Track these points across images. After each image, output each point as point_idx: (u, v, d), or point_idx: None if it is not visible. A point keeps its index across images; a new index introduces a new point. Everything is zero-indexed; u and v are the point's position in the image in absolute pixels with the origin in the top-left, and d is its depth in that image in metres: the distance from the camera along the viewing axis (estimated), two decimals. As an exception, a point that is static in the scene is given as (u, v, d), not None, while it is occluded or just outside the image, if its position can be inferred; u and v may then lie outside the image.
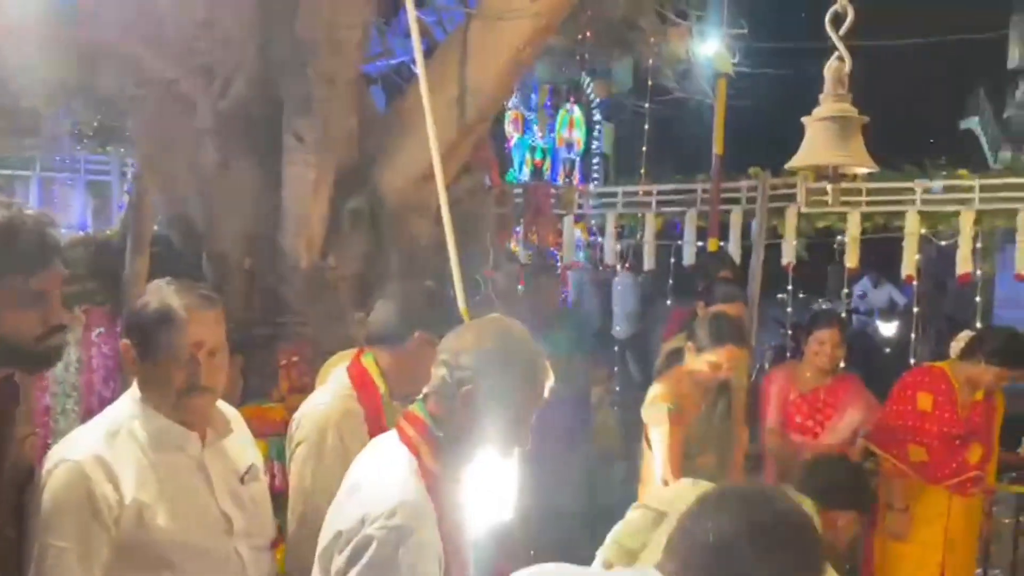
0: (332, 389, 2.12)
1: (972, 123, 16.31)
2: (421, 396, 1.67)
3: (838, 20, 2.31)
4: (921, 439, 3.51)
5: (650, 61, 4.56)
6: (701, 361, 2.99)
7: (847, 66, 2.25)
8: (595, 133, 18.02)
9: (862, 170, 2.37)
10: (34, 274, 1.51)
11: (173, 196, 3.62)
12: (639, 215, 5.71)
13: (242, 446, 1.91)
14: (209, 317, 1.72)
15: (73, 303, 3.31)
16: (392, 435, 1.67)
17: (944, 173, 4.88)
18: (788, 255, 5.23)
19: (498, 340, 1.62)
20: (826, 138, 2.20)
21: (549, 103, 16.71)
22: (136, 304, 1.74)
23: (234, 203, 3.50)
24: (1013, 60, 16.61)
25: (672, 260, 5.60)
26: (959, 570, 3.57)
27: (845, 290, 5.15)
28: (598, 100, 17.27)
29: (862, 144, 2.23)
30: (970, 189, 4.77)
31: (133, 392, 1.76)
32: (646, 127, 5.79)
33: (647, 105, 5.77)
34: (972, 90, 16.30)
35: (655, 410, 3.01)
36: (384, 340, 2.12)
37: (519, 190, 3.86)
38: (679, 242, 5.56)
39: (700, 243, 5.43)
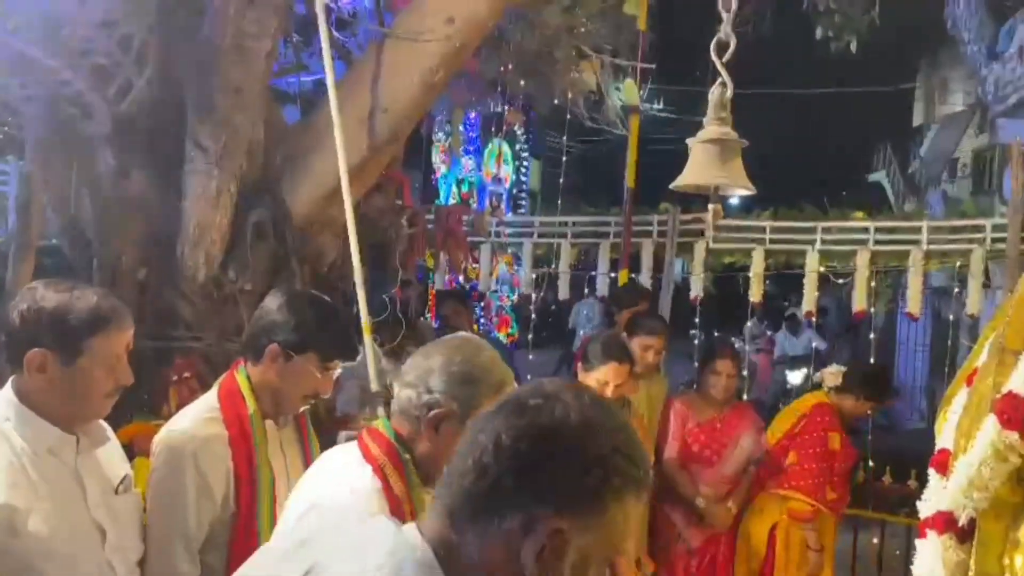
0: (195, 410, 1.97)
1: (880, 176, 17.25)
2: (383, 416, 1.64)
3: (721, 47, 2.42)
4: (831, 478, 3.63)
5: (568, 95, 4.64)
6: (590, 380, 3.04)
7: (729, 91, 2.34)
8: (522, 168, 18.21)
9: (741, 191, 2.44)
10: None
11: (64, 202, 3.46)
12: (555, 244, 5.79)
13: (115, 457, 1.84)
14: (128, 314, 1.73)
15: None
16: (351, 451, 1.60)
17: (842, 214, 5.13)
18: (696, 288, 5.38)
19: (467, 362, 1.57)
20: (708, 159, 2.27)
21: (477, 137, 16.85)
22: (51, 309, 1.64)
23: (130, 211, 3.37)
24: (918, 117, 17.69)
25: (586, 290, 5.68)
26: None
27: (748, 323, 5.28)
28: (525, 136, 17.49)
29: (741, 166, 2.31)
30: (865, 230, 5.01)
31: (6, 393, 1.67)
32: (563, 159, 5.87)
33: (564, 139, 5.87)
34: (880, 143, 17.26)
35: None
36: (246, 351, 2.00)
37: (431, 213, 3.86)
38: (592, 272, 5.65)
39: (612, 274, 5.53)
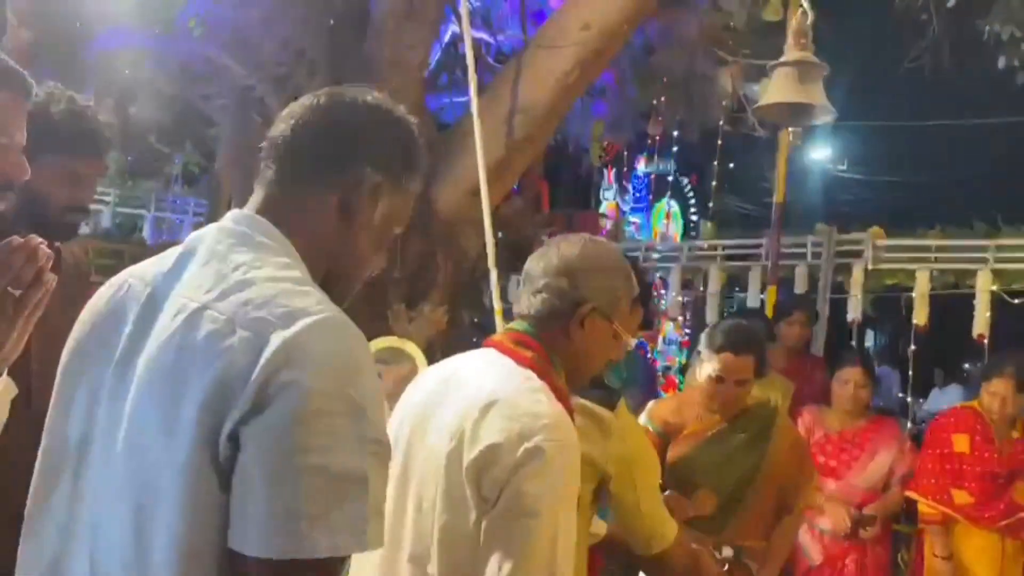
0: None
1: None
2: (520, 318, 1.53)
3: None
4: (962, 482, 3.34)
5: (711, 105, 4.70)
6: (703, 375, 2.54)
7: (810, 18, 2.34)
8: (690, 227, 18.05)
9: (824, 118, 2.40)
10: (78, 157, 1.77)
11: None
12: (703, 269, 5.75)
13: None
14: None
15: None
16: (494, 358, 1.47)
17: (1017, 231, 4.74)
18: (855, 311, 5.13)
19: (602, 256, 1.53)
20: (788, 83, 2.28)
21: (646, 195, 16.99)
22: None
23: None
24: None
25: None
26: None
27: (912, 347, 4.95)
28: (694, 195, 17.37)
29: (822, 89, 2.29)
30: (1046, 246, 4.61)
31: None
32: (713, 183, 5.87)
33: (716, 164, 5.88)
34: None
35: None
36: None
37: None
38: (743, 293, 5.55)
39: (762, 296, 5.39)
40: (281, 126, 1.09)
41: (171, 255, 1.06)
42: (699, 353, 2.55)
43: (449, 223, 3.94)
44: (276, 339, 0.89)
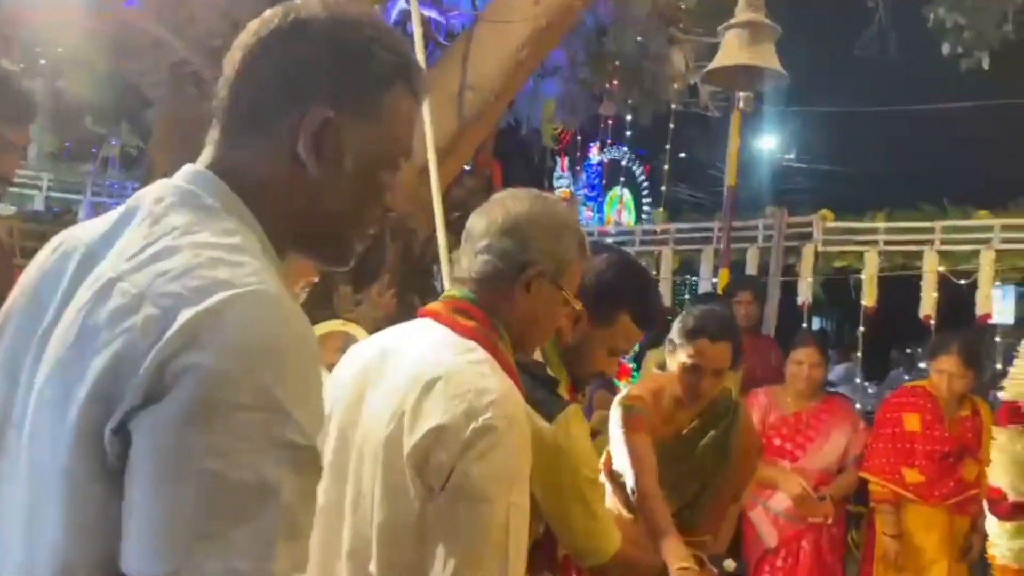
0: None
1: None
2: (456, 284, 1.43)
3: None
4: (913, 461, 3.37)
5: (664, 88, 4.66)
6: (674, 362, 2.32)
7: None
8: (643, 216, 18.23)
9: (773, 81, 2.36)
10: (12, 126, 1.69)
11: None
12: (656, 252, 5.74)
13: None
14: None
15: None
16: (432, 329, 1.36)
17: (963, 213, 4.82)
18: (804, 294, 5.16)
19: (552, 215, 1.41)
20: (740, 44, 2.24)
21: (599, 184, 17.09)
22: None
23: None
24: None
25: (687, 298, 5.58)
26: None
27: (861, 329, 5.00)
28: (647, 183, 17.53)
29: (773, 51, 2.26)
30: (989, 228, 4.69)
31: None
32: (665, 166, 5.85)
33: (668, 146, 5.86)
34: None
35: (618, 411, 2.30)
36: None
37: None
38: (695, 278, 5.55)
39: (714, 279, 5.40)
40: (226, 69, 0.94)
41: (113, 215, 0.91)
42: (670, 341, 2.34)
43: (394, 204, 3.83)
44: (183, 316, 0.75)
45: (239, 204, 0.88)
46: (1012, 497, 1.65)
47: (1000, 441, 1.67)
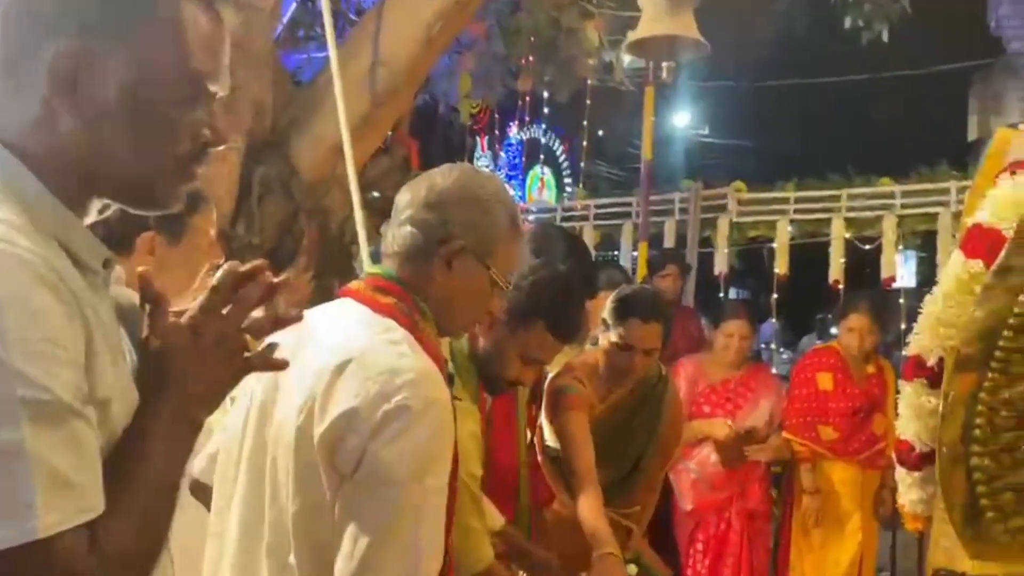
0: None
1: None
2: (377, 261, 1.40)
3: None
4: (828, 418, 3.50)
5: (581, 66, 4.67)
6: (607, 341, 2.33)
7: None
8: (565, 195, 18.34)
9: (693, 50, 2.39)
10: None
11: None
12: (578, 228, 5.77)
13: None
14: None
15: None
16: (349, 308, 1.31)
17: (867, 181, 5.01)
18: (721, 264, 5.29)
19: (480, 188, 1.35)
20: (657, 12, 2.25)
21: (519, 163, 17.12)
22: None
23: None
24: (972, 132, 17.17)
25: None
26: (872, 542, 3.53)
27: (774, 296, 5.16)
28: (567, 162, 17.66)
29: (692, 19, 2.28)
30: (892, 195, 4.89)
31: None
32: (584, 143, 5.89)
33: (586, 123, 5.89)
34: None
35: (553, 390, 2.27)
36: None
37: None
38: (616, 253, 5.62)
39: (634, 253, 5.47)
40: None
41: None
42: (603, 320, 2.35)
43: (312, 183, 3.73)
44: None
45: (10, 160, 0.82)
46: (919, 448, 1.72)
47: (906, 394, 1.74)
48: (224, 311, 0.89)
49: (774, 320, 5.78)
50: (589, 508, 1.93)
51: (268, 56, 3.60)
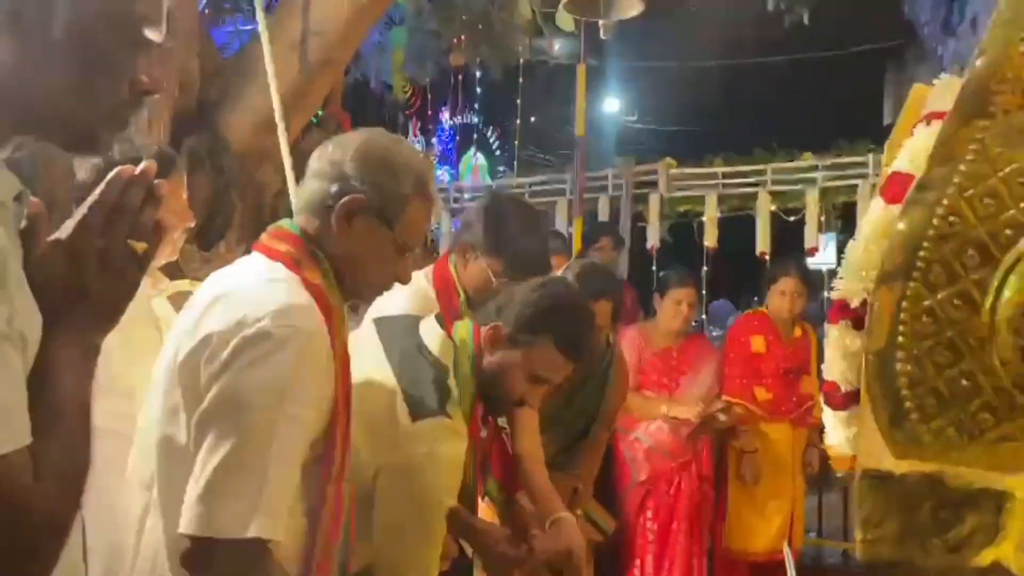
0: None
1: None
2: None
3: None
4: (762, 379, 3.62)
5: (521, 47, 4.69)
6: None
7: None
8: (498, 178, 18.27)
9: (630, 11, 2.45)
10: None
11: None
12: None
13: None
14: None
15: None
16: (254, 256, 1.34)
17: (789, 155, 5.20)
18: (653, 238, 5.40)
19: (387, 149, 1.37)
20: None
21: (452, 148, 17.03)
22: None
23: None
24: (887, 116, 17.87)
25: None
26: (801, 502, 3.69)
27: (704, 268, 5.30)
28: (499, 147, 17.64)
29: None
30: (814, 168, 5.07)
31: None
32: (517, 122, 5.92)
33: (519, 101, 5.91)
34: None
35: None
36: None
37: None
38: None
39: (570, 229, 5.54)
40: None
41: None
42: None
43: (243, 156, 3.65)
44: None
45: None
46: (844, 388, 1.80)
47: (832, 337, 1.81)
48: (106, 225, 0.85)
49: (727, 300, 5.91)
50: (533, 475, 1.90)
51: (194, 25, 3.50)
